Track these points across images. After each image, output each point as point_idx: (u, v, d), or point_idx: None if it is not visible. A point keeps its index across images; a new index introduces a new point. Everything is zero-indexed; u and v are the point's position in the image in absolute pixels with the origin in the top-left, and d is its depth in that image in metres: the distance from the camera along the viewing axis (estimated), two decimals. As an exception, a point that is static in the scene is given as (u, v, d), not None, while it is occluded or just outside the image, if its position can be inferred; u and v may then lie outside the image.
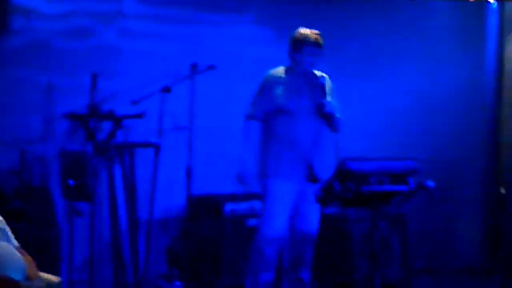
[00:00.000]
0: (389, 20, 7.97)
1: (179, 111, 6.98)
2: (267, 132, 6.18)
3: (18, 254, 4.11)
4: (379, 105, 7.93)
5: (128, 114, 6.78)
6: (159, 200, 7.01)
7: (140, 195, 7.08)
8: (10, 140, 6.96)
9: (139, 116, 6.75)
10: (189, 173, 6.87)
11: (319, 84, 6.18)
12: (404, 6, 8.03)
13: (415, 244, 7.32)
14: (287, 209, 6.12)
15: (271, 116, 6.14)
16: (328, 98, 6.13)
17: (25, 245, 4.33)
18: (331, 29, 7.67)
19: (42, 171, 6.98)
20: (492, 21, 8.14)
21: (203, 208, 7.11)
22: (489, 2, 8.12)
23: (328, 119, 6.16)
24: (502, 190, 7.97)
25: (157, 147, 6.81)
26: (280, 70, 6.23)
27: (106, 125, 6.81)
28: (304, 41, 6.11)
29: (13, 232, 4.32)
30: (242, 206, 6.65)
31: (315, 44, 6.12)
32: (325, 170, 6.17)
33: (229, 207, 6.95)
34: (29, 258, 4.21)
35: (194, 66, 6.86)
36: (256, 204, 6.59)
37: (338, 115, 6.18)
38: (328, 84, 6.20)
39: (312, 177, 6.14)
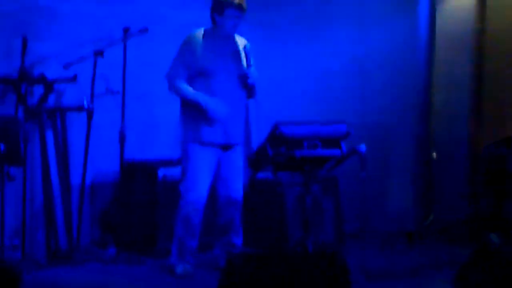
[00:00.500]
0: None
1: (111, 74, 6.91)
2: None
3: None
4: (313, 69, 7.95)
5: (60, 77, 6.70)
6: (92, 165, 6.97)
7: (73, 160, 7.02)
8: None
9: (71, 80, 6.67)
10: (122, 138, 6.83)
11: (241, 51, 6.14)
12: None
13: (347, 208, 7.40)
14: (209, 174, 6.14)
15: (190, 79, 6.10)
16: (251, 68, 6.09)
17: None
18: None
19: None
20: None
21: (137, 173, 7.08)
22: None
23: (249, 89, 6.14)
24: (434, 155, 8.07)
25: (89, 112, 6.75)
26: (201, 32, 6.16)
27: (38, 89, 6.71)
28: (226, 3, 6.03)
29: None
30: (176, 171, 6.63)
31: (238, 6, 6.03)
32: (240, 135, 6.20)
33: (162, 172, 6.94)
34: None
35: (126, 30, 6.80)
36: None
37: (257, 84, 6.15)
38: (249, 51, 6.15)
39: (227, 144, 6.16)
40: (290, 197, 6.90)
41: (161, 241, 6.81)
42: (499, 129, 7.81)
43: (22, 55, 6.55)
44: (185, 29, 6.29)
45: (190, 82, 6.10)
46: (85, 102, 6.72)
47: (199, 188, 6.10)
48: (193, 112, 6.09)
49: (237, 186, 6.27)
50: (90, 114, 6.75)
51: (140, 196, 7.04)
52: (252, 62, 6.11)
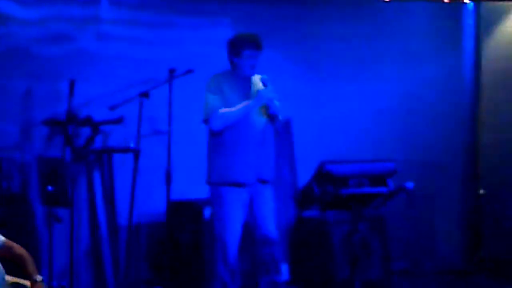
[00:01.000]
0: (370, 22, 7.97)
1: (157, 115, 6.96)
2: (214, 138, 6.07)
3: None
4: (359, 107, 7.92)
5: (107, 119, 6.76)
6: (139, 205, 6.99)
7: (120, 201, 7.05)
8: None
9: (117, 121, 6.73)
10: (168, 178, 6.85)
11: (260, 84, 6.06)
12: (383, 9, 8.03)
13: (395, 246, 7.33)
14: (243, 213, 6.03)
15: None
16: (275, 102, 6.00)
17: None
18: (313, 32, 7.73)
19: (20, 178, 6.93)
20: (469, 21, 8.17)
21: (183, 213, 7.10)
22: (465, 3, 8.15)
23: (272, 120, 6.06)
24: (482, 191, 7.99)
25: (136, 152, 6.78)
26: (222, 75, 6.11)
27: (85, 131, 6.79)
28: (242, 45, 5.97)
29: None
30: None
31: (254, 46, 5.97)
32: (271, 171, 6.10)
33: (208, 211, 6.94)
34: (23, 250, 4.21)
35: (172, 71, 6.83)
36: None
37: (280, 116, 6.05)
38: (267, 80, 6.02)
39: (261, 179, 6.07)
40: (337, 235, 6.86)
41: (207, 280, 6.80)
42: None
43: (69, 97, 6.63)
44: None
45: None
46: (131, 143, 6.76)
47: (235, 228, 6.01)
48: (224, 150, 6.01)
49: (271, 225, 6.15)
50: (136, 155, 6.78)
51: (187, 235, 7.05)
52: (273, 94, 5.98)
